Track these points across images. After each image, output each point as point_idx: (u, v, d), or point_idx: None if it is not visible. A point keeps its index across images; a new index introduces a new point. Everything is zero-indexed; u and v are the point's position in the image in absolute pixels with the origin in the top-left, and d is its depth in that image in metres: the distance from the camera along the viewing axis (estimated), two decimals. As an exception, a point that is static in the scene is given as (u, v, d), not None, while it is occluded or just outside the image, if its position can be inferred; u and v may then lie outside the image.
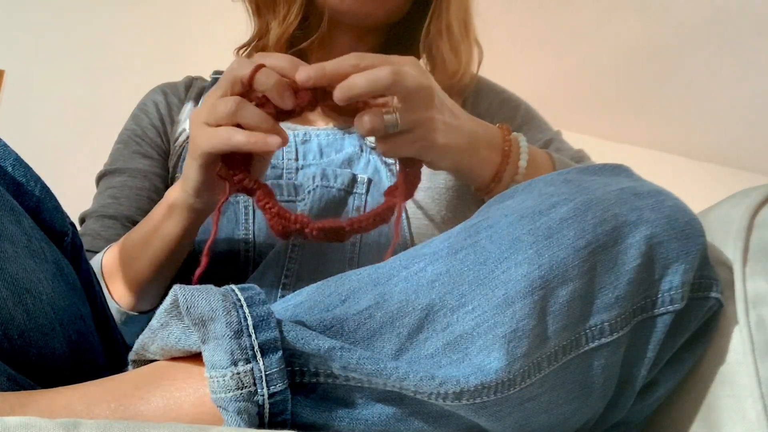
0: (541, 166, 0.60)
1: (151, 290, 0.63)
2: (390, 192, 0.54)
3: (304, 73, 0.49)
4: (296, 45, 0.74)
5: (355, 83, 0.48)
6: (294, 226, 0.50)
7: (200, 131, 0.52)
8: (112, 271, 0.63)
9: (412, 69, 0.50)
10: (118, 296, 0.63)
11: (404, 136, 0.51)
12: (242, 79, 0.50)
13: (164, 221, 0.59)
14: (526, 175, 0.57)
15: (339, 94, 0.48)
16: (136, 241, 0.62)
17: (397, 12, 0.74)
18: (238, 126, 0.50)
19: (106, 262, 0.64)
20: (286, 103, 0.50)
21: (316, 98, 0.51)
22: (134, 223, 0.71)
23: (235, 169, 0.52)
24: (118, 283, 0.63)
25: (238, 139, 0.49)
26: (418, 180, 0.54)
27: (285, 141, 0.51)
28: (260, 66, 0.50)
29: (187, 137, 0.71)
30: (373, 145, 0.70)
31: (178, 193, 0.57)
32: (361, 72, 0.48)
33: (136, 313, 0.63)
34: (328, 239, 0.51)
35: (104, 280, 0.63)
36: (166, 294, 0.64)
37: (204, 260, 0.51)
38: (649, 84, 2.69)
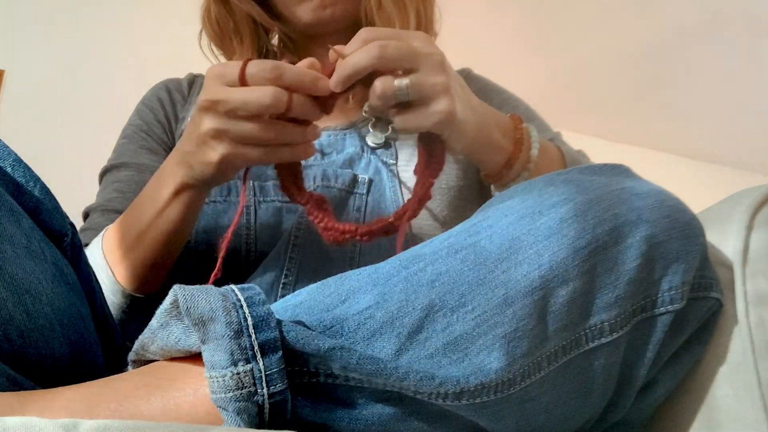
0: (551, 156, 0.60)
1: (157, 271, 0.62)
2: (420, 170, 0.54)
3: (334, 82, 0.49)
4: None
5: (346, 64, 0.48)
6: (344, 236, 0.52)
7: (206, 135, 0.51)
8: (115, 254, 0.62)
9: (416, 41, 0.50)
10: (123, 278, 0.62)
11: (421, 107, 0.50)
12: (232, 78, 0.50)
13: (171, 204, 0.58)
14: (537, 164, 0.57)
15: (335, 78, 0.49)
16: (141, 221, 0.60)
17: (353, 11, 0.74)
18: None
19: (107, 244, 0.63)
20: (322, 88, 0.50)
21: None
22: None
23: (285, 179, 0.54)
24: (122, 265, 0.62)
25: (285, 155, 0.52)
26: (444, 154, 0.54)
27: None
28: (248, 60, 0.50)
29: None
30: (375, 144, 0.70)
31: (185, 175, 0.56)
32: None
33: (141, 296, 0.62)
34: (382, 236, 0.52)
35: (107, 262, 0.63)
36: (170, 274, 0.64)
37: (218, 264, 0.52)
38: (649, 84, 2.69)
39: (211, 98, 0.50)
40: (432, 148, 0.53)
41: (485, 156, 0.57)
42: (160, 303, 0.39)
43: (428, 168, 0.53)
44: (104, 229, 0.65)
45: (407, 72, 0.49)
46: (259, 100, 0.48)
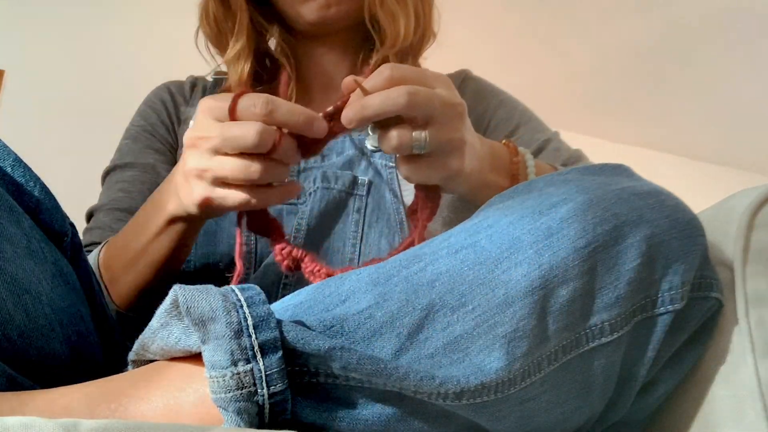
0: None
1: (150, 294, 0.62)
2: (414, 213, 0.53)
3: (348, 119, 0.46)
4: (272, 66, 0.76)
5: (368, 103, 0.45)
6: None
7: (195, 172, 0.49)
8: (110, 276, 0.63)
9: (439, 86, 0.48)
10: (117, 299, 0.62)
11: (431, 159, 0.48)
12: (223, 113, 0.47)
13: (163, 234, 0.57)
14: None
15: (351, 114, 0.45)
16: (132, 248, 0.60)
17: (357, 10, 0.73)
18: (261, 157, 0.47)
19: (103, 264, 0.63)
20: (318, 130, 0.47)
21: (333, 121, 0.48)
22: None
23: (268, 232, 0.53)
24: (116, 287, 0.62)
25: (273, 198, 0.50)
26: (439, 200, 0.52)
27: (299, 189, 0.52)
28: (242, 93, 0.47)
29: None
30: (374, 147, 0.70)
31: (175, 208, 0.54)
32: (378, 92, 0.45)
33: (132, 315, 0.63)
34: None
35: (102, 281, 0.63)
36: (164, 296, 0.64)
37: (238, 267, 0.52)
38: (648, 84, 2.68)
39: (197, 134, 0.48)
40: (429, 194, 0.52)
41: (480, 196, 0.55)
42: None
43: (423, 212, 0.52)
44: (103, 243, 0.66)
45: (426, 121, 0.46)
46: (244, 137, 0.45)
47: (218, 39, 0.78)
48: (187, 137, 0.49)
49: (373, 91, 0.46)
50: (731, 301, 0.43)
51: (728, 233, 0.44)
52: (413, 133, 0.46)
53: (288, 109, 0.46)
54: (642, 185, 0.43)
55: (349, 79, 0.48)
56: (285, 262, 0.51)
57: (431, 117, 0.46)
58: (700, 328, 0.43)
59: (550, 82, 2.66)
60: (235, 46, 0.76)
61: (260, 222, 0.53)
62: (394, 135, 0.46)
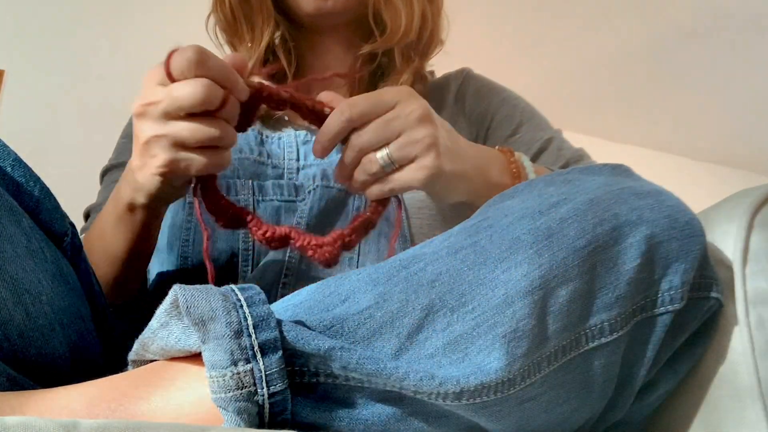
0: None
1: (125, 284, 0.61)
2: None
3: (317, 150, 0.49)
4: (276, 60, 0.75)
5: (321, 140, 0.49)
6: (336, 245, 0.50)
7: (148, 142, 0.47)
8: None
9: (398, 98, 0.49)
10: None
11: (406, 167, 0.49)
12: (162, 77, 0.45)
13: (120, 224, 0.56)
14: None
15: (318, 151, 0.49)
16: (94, 242, 0.59)
17: (358, 4, 0.73)
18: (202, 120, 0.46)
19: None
20: (241, 94, 0.47)
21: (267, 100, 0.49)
22: None
23: (217, 197, 0.50)
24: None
25: (196, 165, 0.47)
26: (401, 216, 0.54)
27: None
28: (172, 52, 0.45)
29: None
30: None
31: (129, 195, 0.53)
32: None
33: (119, 303, 0.61)
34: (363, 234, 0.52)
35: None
36: (141, 285, 0.63)
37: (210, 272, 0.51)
38: (648, 84, 2.68)
39: (143, 101, 0.46)
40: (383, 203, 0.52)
41: (488, 197, 0.56)
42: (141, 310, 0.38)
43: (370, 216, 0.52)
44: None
45: (385, 142, 0.48)
46: (192, 94, 0.43)
47: (233, 26, 0.77)
48: (135, 107, 0.47)
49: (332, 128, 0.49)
50: (731, 301, 0.43)
51: (728, 233, 0.44)
52: (376, 155, 0.48)
53: (217, 61, 0.45)
54: (642, 185, 0.43)
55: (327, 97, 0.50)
56: (273, 245, 0.50)
57: (389, 136, 0.48)
58: (700, 328, 0.43)
59: (550, 82, 2.66)
60: (249, 36, 0.75)
61: (221, 207, 0.51)
62: (358, 179, 0.49)
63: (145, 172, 0.49)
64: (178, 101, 0.44)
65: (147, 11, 2.08)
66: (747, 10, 2.21)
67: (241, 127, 0.49)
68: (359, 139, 0.48)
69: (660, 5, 2.23)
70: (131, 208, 0.54)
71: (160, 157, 0.47)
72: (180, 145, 0.46)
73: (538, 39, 2.44)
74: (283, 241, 0.50)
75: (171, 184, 0.50)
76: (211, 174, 0.50)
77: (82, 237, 0.70)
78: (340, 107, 0.48)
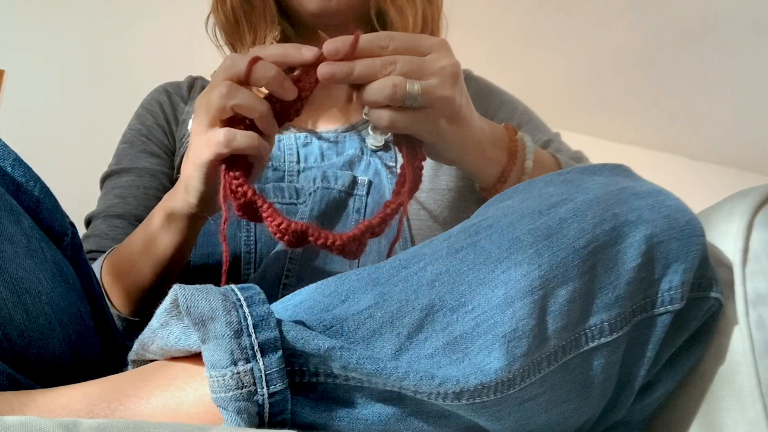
0: (546, 167, 0.60)
1: (152, 296, 0.62)
2: (396, 190, 0.53)
3: (332, 46, 0.47)
4: None
5: (344, 42, 0.47)
6: (362, 238, 0.50)
7: (199, 138, 0.51)
8: (112, 279, 0.63)
9: (434, 51, 0.49)
10: (118, 304, 0.62)
11: (420, 111, 0.49)
12: (239, 75, 0.49)
13: (163, 230, 0.58)
14: (531, 176, 0.57)
15: (335, 70, 0.47)
16: (134, 249, 0.61)
17: (361, 3, 0.73)
18: (234, 120, 0.50)
19: (105, 270, 0.64)
20: (289, 93, 0.49)
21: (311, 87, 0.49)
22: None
23: (237, 176, 0.50)
24: (118, 290, 0.62)
25: (238, 140, 0.49)
26: (420, 178, 0.53)
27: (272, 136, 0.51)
28: (256, 59, 0.48)
29: None
30: (375, 147, 0.70)
31: (179, 201, 0.56)
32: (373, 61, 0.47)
33: (137, 319, 0.63)
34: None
35: (104, 287, 0.63)
36: None
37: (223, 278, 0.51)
38: (649, 84, 2.69)
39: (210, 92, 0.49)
40: (411, 152, 0.52)
41: (479, 169, 0.57)
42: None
43: (404, 188, 0.52)
44: (108, 251, 0.66)
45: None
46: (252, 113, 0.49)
47: (233, 26, 0.77)
48: (214, 80, 0.50)
49: (363, 53, 0.48)
50: (731, 301, 0.43)
51: (728, 233, 0.44)
52: (407, 85, 0.47)
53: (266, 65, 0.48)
54: (641, 185, 0.43)
55: (333, 45, 0.48)
56: (286, 238, 0.48)
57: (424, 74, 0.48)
58: (700, 328, 0.43)
59: (549, 82, 2.66)
60: (250, 37, 0.75)
61: (241, 190, 0.50)
62: (389, 83, 0.47)
63: (204, 148, 0.50)
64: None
65: (147, 12, 2.08)
66: (747, 10, 2.21)
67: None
68: (395, 62, 0.48)
69: (660, 5, 2.23)
70: (172, 216, 0.57)
71: (219, 132, 0.49)
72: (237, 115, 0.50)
73: (538, 39, 2.44)
74: (299, 238, 0.49)
75: (216, 177, 0.51)
76: (244, 155, 0.51)
77: (87, 241, 0.70)
78: (380, 34, 0.49)
